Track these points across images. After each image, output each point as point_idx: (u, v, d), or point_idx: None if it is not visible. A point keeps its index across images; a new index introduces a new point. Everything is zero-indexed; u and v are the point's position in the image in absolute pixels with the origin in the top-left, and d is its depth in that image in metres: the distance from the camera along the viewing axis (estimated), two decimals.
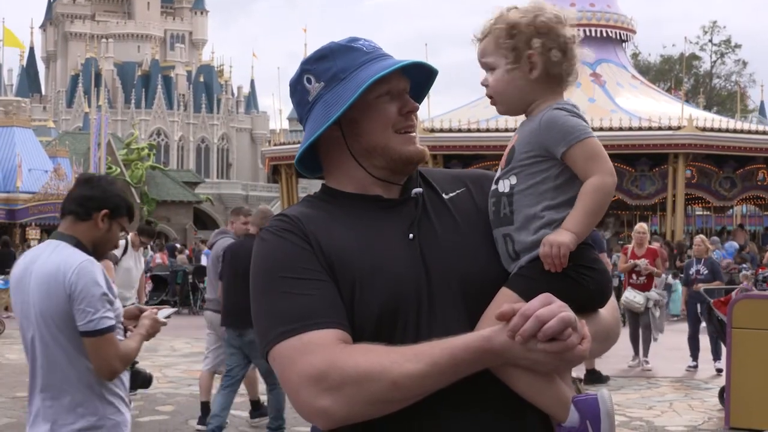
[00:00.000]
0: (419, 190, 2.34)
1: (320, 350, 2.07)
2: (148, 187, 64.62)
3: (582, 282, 2.18)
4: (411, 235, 2.25)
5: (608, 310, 2.33)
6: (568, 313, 2.01)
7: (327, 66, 2.31)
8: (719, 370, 13.47)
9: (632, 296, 14.59)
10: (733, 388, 10.05)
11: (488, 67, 2.32)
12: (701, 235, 17.01)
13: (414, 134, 2.34)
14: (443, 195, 2.37)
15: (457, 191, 2.40)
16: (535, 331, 1.99)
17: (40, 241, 39.53)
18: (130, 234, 12.46)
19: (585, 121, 2.27)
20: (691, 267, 15.21)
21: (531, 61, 2.28)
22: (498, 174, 2.32)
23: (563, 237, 2.14)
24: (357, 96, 2.23)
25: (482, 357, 2.06)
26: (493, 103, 2.36)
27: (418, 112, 2.40)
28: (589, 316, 2.20)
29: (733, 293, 12.03)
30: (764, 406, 9.75)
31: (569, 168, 2.22)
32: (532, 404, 2.15)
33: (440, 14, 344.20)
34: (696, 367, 14.44)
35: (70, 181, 43.13)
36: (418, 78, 2.40)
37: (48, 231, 43.66)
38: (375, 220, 2.28)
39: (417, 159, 2.34)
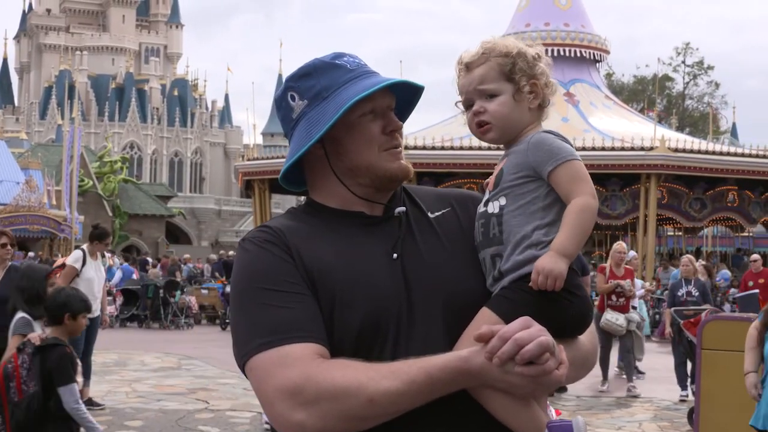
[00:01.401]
0: (402, 209, 2.35)
1: (297, 364, 2.07)
2: (120, 201, 64.47)
3: (563, 307, 2.19)
4: (395, 255, 2.25)
5: (587, 337, 2.34)
6: (546, 337, 2.02)
7: (310, 84, 2.32)
8: (683, 399, 13.35)
9: (614, 318, 14.15)
10: (702, 409, 10.06)
11: (487, 95, 2.33)
12: (688, 255, 15.99)
13: (400, 150, 2.34)
14: (429, 214, 2.38)
15: (443, 211, 2.40)
16: (513, 354, 2.00)
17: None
18: (86, 245, 12.39)
19: (572, 146, 2.30)
20: (679, 288, 14.30)
21: (534, 89, 2.33)
22: (486, 196, 2.34)
23: (559, 266, 2.15)
24: (340, 115, 2.23)
25: (459, 377, 2.06)
26: (483, 131, 2.35)
27: None
28: (568, 341, 2.20)
29: (703, 314, 12.05)
30: (733, 427, 9.77)
31: None
32: (507, 427, 2.14)
33: (417, 32, 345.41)
34: (687, 396, 13.37)
35: (41, 193, 42.96)
36: (404, 94, 2.40)
37: (19, 243, 43.43)
38: (357, 236, 2.28)
39: (402, 176, 2.34)
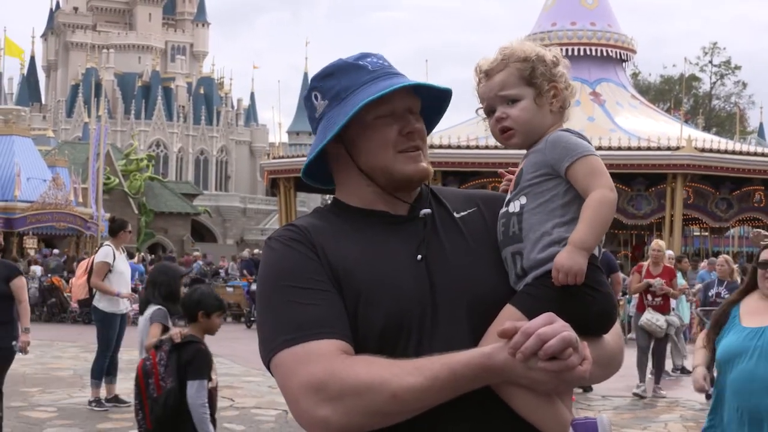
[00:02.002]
0: (427, 211, 2.36)
1: (322, 360, 2.09)
2: (146, 198, 64.67)
3: (586, 303, 2.19)
4: (419, 257, 2.26)
5: (612, 337, 2.34)
6: (569, 332, 2.02)
7: (332, 84, 2.34)
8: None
9: (654, 319, 13.67)
10: None
11: (508, 100, 2.35)
12: (725, 256, 15.30)
13: (418, 152, 2.34)
14: (455, 214, 2.39)
15: (469, 211, 2.42)
16: (536, 349, 2.00)
17: (36, 250, 39.47)
18: (109, 241, 12.39)
19: (590, 143, 2.32)
20: (711, 288, 13.78)
21: (554, 93, 2.35)
22: (508, 197, 2.36)
23: (577, 261, 2.16)
24: (349, 118, 2.25)
25: (482, 373, 2.06)
26: (507, 137, 2.37)
27: None
28: (593, 339, 2.21)
29: None
30: None
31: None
32: (531, 424, 2.15)
33: (442, 31, 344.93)
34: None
35: (68, 191, 43.16)
36: (432, 98, 2.41)
37: (45, 240, 43.64)
38: (382, 235, 2.30)
39: (418, 178, 2.35)
